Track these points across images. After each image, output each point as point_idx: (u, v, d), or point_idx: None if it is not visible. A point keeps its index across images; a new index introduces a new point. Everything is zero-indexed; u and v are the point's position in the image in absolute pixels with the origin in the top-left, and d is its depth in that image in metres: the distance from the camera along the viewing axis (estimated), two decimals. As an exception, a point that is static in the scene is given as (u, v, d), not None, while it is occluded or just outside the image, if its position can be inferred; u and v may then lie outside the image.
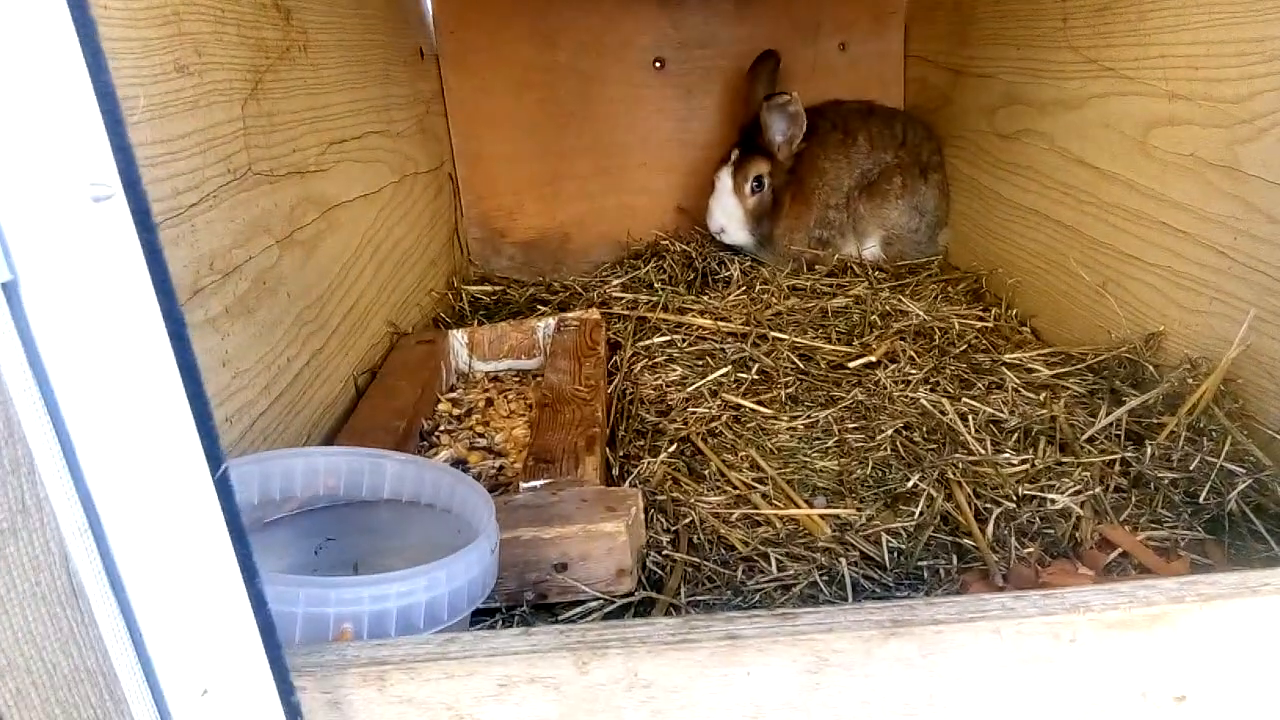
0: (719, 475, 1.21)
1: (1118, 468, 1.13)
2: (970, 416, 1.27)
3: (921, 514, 1.09)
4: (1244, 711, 0.65)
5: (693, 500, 1.15)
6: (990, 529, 1.05)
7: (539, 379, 1.56)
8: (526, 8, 2.20)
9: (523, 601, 0.96)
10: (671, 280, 1.97)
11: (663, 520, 1.11)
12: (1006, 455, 1.18)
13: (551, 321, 1.66)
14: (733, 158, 2.06)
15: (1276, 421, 1.09)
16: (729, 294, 1.86)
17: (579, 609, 0.96)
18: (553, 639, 0.64)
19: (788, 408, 1.38)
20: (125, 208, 0.44)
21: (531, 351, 1.66)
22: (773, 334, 1.61)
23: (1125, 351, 1.34)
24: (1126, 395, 1.26)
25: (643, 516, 1.04)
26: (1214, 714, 0.65)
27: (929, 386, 1.40)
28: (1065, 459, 1.16)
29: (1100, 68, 1.43)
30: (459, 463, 1.28)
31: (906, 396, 1.37)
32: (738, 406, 1.39)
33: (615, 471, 1.23)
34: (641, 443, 1.31)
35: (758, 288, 1.88)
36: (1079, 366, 1.40)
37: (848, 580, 1.00)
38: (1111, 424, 1.20)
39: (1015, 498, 1.10)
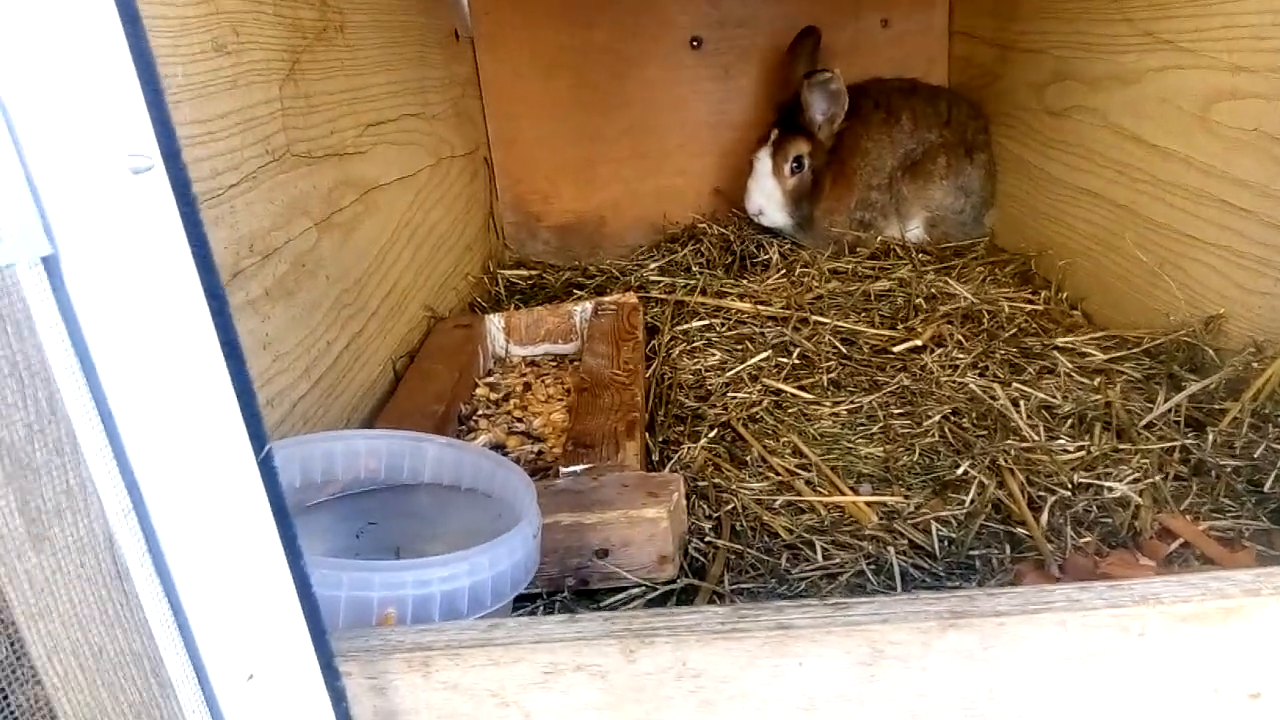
0: (760, 461, 1.19)
1: (1177, 455, 1.10)
2: (1022, 402, 1.24)
3: (972, 502, 1.06)
4: (1324, 710, 0.62)
5: (734, 486, 1.13)
6: (1045, 517, 1.02)
7: (576, 363, 1.54)
8: (561, -12, 2.18)
9: (564, 587, 0.95)
10: (709, 264, 1.93)
11: (704, 507, 1.10)
12: (1061, 442, 1.15)
13: (588, 306, 1.64)
14: (772, 138, 2.01)
15: (1348, 407, 1.04)
16: (768, 277, 1.83)
17: (621, 595, 0.95)
18: (599, 626, 0.63)
19: (830, 393, 1.36)
20: (165, 180, 0.43)
21: (568, 336, 1.65)
22: (814, 318, 1.58)
23: (1184, 335, 1.29)
24: (1185, 380, 1.22)
25: (684, 502, 1.02)
26: (1292, 712, 0.62)
27: (977, 371, 1.36)
28: (1122, 446, 1.12)
29: (1157, 40, 1.38)
30: (498, 447, 1.27)
31: (954, 381, 1.33)
32: (778, 391, 1.36)
33: (655, 457, 1.21)
34: (681, 428, 1.29)
35: (798, 271, 1.84)
36: (1134, 351, 1.35)
37: (896, 569, 0.97)
38: (1170, 410, 1.16)
39: (1070, 485, 1.06)
